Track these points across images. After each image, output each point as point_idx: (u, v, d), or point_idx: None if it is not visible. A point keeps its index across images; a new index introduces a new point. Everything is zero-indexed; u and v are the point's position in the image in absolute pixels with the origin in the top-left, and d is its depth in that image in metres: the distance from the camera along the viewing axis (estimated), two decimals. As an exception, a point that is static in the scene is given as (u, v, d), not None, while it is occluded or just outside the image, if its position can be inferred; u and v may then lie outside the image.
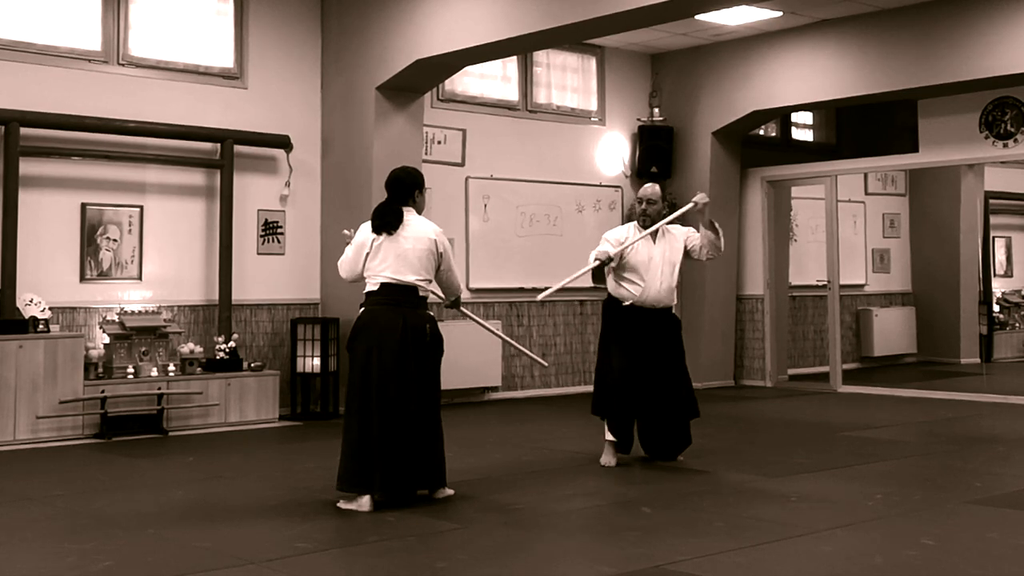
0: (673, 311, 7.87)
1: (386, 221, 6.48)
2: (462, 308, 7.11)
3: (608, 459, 7.66)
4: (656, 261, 7.67)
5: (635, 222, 7.81)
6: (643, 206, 7.78)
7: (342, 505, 6.31)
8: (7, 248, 9.18)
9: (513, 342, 8.25)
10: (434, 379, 6.54)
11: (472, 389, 11.76)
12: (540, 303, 12.45)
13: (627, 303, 7.66)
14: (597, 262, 7.58)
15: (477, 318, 7.65)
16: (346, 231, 6.90)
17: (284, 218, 10.88)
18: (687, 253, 7.85)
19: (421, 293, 6.50)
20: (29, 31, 9.59)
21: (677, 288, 7.77)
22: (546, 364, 8.44)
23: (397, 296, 6.42)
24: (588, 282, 8.01)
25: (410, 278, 6.43)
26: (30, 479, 7.42)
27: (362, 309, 6.52)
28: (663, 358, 7.70)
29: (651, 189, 7.84)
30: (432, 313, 6.65)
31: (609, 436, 7.65)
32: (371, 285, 6.49)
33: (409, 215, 6.53)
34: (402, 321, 6.36)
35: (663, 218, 7.85)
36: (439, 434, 6.52)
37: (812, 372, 13.85)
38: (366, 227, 6.56)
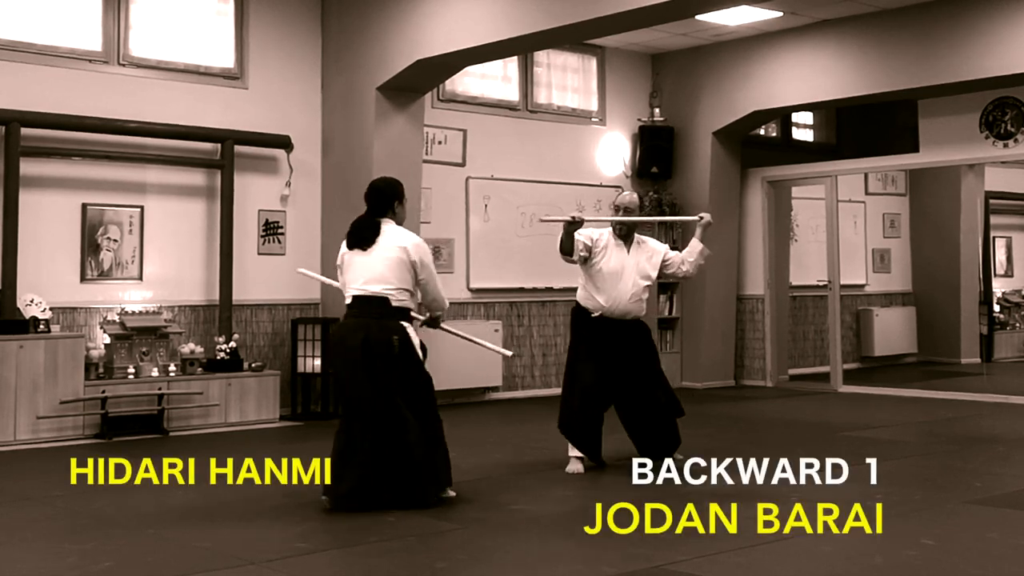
0: (642, 320, 7.79)
1: (361, 237, 6.40)
2: (443, 325, 6.95)
3: (575, 467, 7.54)
4: (628, 272, 7.58)
5: (610, 229, 7.72)
6: (620, 215, 7.69)
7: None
8: (8, 248, 9.19)
9: (488, 344, 8.01)
10: (417, 388, 6.37)
11: (473, 389, 11.77)
12: (541, 303, 12.47)
13: (596, 314, 7.57)
14: (571, 217, 7.43)
15: (454, 330, 7.50)
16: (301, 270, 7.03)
17: (284, 218, 10.88)
18: (663, 269, 7.81)
19: (394, 303, 6.32)
20: (30, 31, 9.59)
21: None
22: (510, 354, 8.25)
23: (364, 308, 6.33)
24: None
25: (378, 288, 6.30)
26: (30, 479, 7.43)
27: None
28: (637, 366, 7.65)
29: (629, 198, 7.75)
30: (405, 324, 6.40)
31: (574, 452, 7.57)
32: (346, 299, 6.45)
33: (386, 226, 6.43)
34: (363, 335, 6.24)
35: (637, 228, 7.79)
36: (437, 440, 6.42)
37: (812, 372, 13.86)
38: (343, 245, 6.52)
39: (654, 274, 7.75)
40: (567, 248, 7.49)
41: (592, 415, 7.54)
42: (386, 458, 6.23)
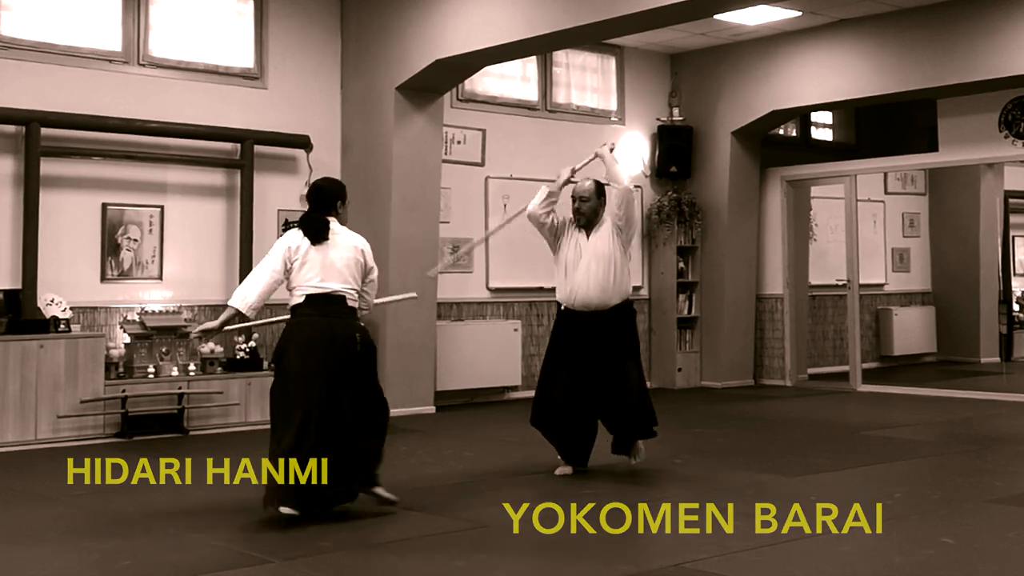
0: (623, 309, 7.46)
1: (315, 230, 6.29)
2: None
3: (564, 469, 7.48)
4: (584, 259, 7.37)
5: (571, 217, 7.59)
6: (576, 204, 7.52)
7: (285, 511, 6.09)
8: (28, 248, 9.23)
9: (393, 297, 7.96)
10: (372, 386, 6.32)
11: (492, 388, 11.77)
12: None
13: (563, 307, 7.49)
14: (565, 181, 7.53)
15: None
16: None
17: (304, 218, 10.89)
18: (625, 231, 7.53)
19: (350, 303, 6.28)
20: (50, 32, 9.63)
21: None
22: (415, 295, 7.99)
23: (324, 306, 6.22)
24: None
25: (337, 286, 6.23)
26: (51, 478, 7.46)
27: (288, 320, 6.35)
28: (605, 352, 7.33)
29: (583, 186, 7.58)
30: (363, 323, 6.41)
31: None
32: (297, 298, 6.27)
33: (335, 225, 6.38)
34: (330, 330, 6.16)
35: (598, 216, 7.55)
36: (380, 438, 6.31)
37: (832, 371, 13.83)
38: (288, 238, 6.35)
39: (611, 249, 7.42)
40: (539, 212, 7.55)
41: (568, 419, 7.40)
42: (337, 453, 6.08)
